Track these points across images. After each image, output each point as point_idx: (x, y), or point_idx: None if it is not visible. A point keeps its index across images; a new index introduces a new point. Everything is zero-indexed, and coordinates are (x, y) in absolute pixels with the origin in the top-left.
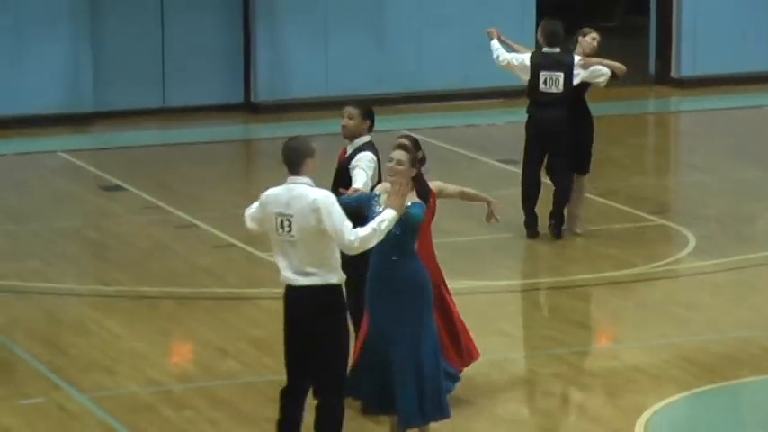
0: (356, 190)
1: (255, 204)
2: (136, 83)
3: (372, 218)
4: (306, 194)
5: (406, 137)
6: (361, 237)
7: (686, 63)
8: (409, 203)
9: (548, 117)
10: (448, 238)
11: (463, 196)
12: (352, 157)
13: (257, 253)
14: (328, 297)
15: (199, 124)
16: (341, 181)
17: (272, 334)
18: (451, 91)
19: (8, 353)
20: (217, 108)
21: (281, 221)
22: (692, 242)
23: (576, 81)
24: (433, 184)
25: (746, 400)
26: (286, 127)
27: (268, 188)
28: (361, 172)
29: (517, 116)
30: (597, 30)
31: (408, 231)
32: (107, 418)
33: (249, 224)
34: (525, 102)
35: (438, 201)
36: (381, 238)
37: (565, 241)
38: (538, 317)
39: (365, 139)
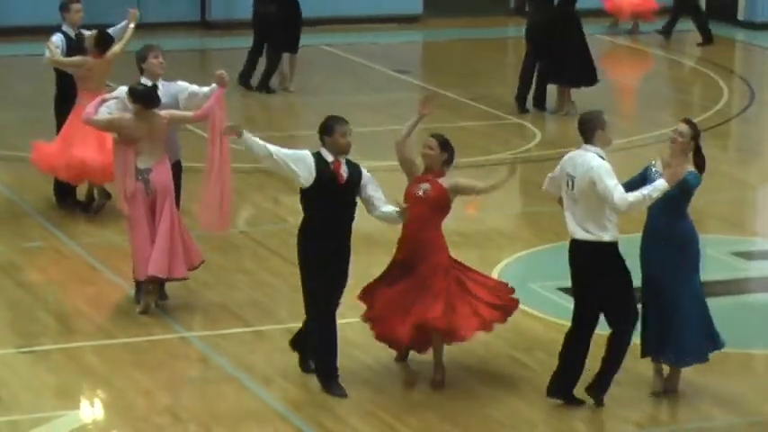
0: None
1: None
2: (117, 1)
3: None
4: (588, 161)
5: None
6: (630, 202)
7: None
8: (687, 171)
9: None
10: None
11: (479, 191)
12: None
13: None
14: (599, 251)
15: (165, 37)
16: None
17: None
18: (362, 15)
19: (16, 207)
20: (178, 24)
21: (568, 181)
22: (539, 136)
23: None
24: (449, 182)
25: None
26: (235, 41)
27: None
28: None
29: (409, 37)
30: None
31: (684, 195)
32: (92, 259)
33: (546, 186)
34: (418, 27)
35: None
36: (649, 204)
37: (440, 132)
38: None
39: None
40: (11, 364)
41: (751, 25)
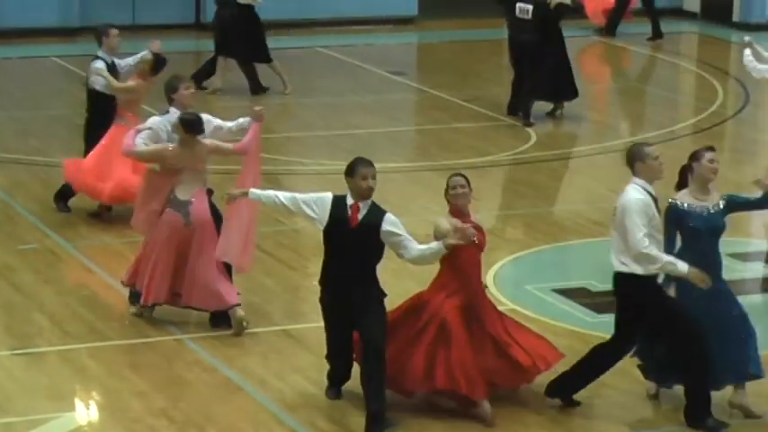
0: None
1: None
2: (113, 4)
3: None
4: (627, 192)
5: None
6: (646, 253)
7: None
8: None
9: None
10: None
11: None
12: None
13: None
14: (632, 283)
15: (161, 38)
16: None
17: None
18: (357, 17)
19: (11, 209)
20: (175, 26)
21: (615, 209)
22: (534, 138)
23: None
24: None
25: (571, 257)
26: None
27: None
28: None
29: (404, 39)
30: None
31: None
32: (86, 260)
33: None
34: (413, 28)
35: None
36: (662, 272)
37: (436, 133)
38: (412, 193)
39: None
40: (5, 366)
41: (746, 26)
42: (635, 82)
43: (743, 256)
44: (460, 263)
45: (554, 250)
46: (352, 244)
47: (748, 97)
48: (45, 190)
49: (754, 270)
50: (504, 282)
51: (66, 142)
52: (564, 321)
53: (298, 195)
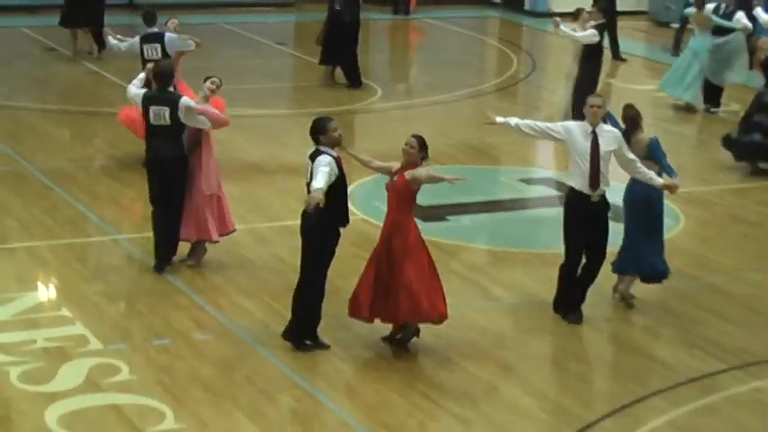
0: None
1: None
2: None
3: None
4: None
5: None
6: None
7: None
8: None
9: None
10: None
11: (432, 180)
12: None
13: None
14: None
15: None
16: None
17: None
18: (252, 1)
19: None
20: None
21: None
22: (380, 92)
23: None
24: (409, 174)
25: None
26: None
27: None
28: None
29: (287, 18)
30: None
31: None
32: (47, 180)
33: None
34: (293, 10)
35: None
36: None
37: (307, 89)
38: (290, 132)
39: None
40: None
41: (534, 14)
42: (452, 53)
43: (528, 181)
44: (388, 205)
45: None
46: (347, 188)
47: (535, 65)
48: (14, 129)
49: (536, 191)
50: (358, 198)
51: (30, 92)
52: None
53: (328, 171)
